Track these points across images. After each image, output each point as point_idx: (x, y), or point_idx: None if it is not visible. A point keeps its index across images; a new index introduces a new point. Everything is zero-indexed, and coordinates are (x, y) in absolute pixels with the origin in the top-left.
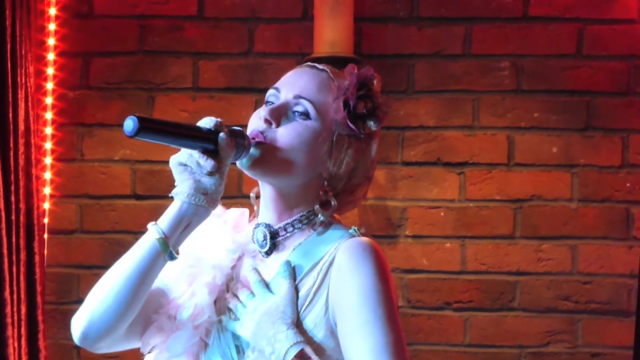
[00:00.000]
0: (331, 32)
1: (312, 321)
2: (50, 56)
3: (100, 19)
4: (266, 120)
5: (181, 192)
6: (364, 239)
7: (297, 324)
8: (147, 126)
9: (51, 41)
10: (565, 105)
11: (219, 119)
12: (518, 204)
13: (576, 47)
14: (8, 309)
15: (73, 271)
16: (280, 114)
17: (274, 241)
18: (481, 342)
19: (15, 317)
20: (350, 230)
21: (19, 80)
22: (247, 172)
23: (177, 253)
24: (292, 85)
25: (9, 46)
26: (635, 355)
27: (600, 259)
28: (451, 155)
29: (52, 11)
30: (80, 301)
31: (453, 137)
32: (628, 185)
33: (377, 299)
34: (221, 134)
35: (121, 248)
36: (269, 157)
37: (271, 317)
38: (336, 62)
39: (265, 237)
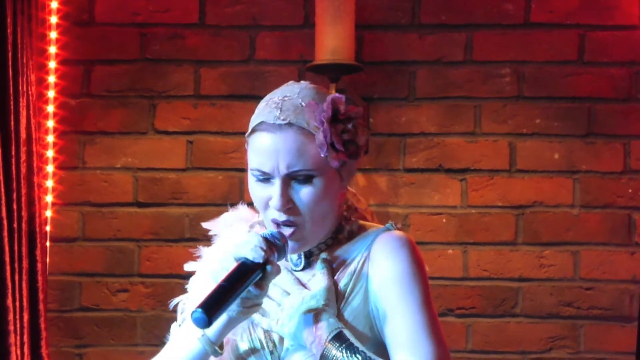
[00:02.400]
0: (332, 39)
1: (351, 314)
2: (52, 64)
3: (101, 27)
4: (284, 211)
5: (230, 309)
6: (399, 232)
7: (338, 317)
8: (213, 313)
9: (52, 49)
10: (567, 111)
11: (261, 242)
12: (520, 210)
13: (577, 54)
14: (10, 317)
15: (75, 279)
16: (289, 197)
17: (308, 260)
18: (484, 348)
19: (18, 325)
20: (387, 225)
21: (20, 88)
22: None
23: (222, 349)
24: (277, 164)
25: (10, 54)
26: None
27: (602, 265)
28: (453, 162)
29: (53, 19)
30: (82, 309)
31: (455, 143)
32: (630, 191)
33: (414, 283)
34: (269, 267)
35: (123, 255)
36: (307, 237)
37: (312, 310)
38: (338, 70)
39: (299, 256)
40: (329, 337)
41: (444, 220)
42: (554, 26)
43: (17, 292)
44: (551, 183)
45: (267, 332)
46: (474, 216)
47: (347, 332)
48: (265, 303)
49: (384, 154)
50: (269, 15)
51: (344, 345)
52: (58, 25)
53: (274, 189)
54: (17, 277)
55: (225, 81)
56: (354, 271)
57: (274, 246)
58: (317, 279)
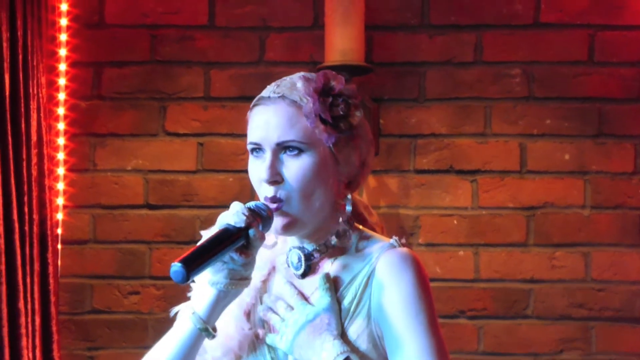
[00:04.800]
0: (342, 40)
1: (355, 332)
2: (62, 67)
3: (111, 29)
4: (270, 182)
5: (218, 282)
6: (404, 249)
7: (342, 336)
8: (192, 268)
9: (62, 52)
10: (577, 112)
11: (244, 209)
12: (531, 211)
13: (588, 54)
14: (22, 320)
15: (86, 281)
16: (277, 169)
17: (309, 263)
18: (495, 350)
19: (30, 328)
20: (391, 241)
21: (31, 91)
22: (282, 236)
23: (215, 330)
24: (268, 134)
25: (21, 57)
26: None
27: (613, 265)
28: (463, 163)
29: (64, 22)
30: (94, 311)
31: (465, 144)
32: None
33: (419, 307)
34: (251, 231)
35: (134, 257)
36: (295, 215)
37: (316, 329)
38: (348, 70)
39: (300, 259)
40: None
41: (455, 222)
42: (563, 26)
43: (28, 295)
44: (562, 184)
45: (271, 348)
46: (484, 217)
47: (354, 357)
48: (269, 317)
49: (394, 155)
50: (278, 17)
51: None
52: (68, 28)
53: (265, 163)
54: (28, 280)
55: (235, 83)
56: (358, 288)
57: (258, 216)
58: (319, 295)
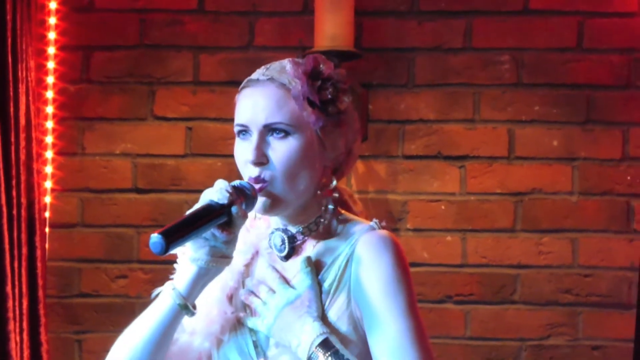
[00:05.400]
0: (332, 25)
1: (336, 314)
2: (51, 50)
3: (100, 13)
4: (256, 163)
5: (198, 258)
6: (383, 231)
7: (322, 317)
8: (172, 240)
9: (52, 35)
10: (566, 98)
11: (227, 187)
12: (519, 197)
13: (576, 41)
14: (10, 304)
15: (74, 265)
16: (263, 151)
17: (292, 245)
18: (482, 335)
19: (17, 312)
20: (371, 224)
21: (19, 74)
22: (265, 216)
23: (195, 308)
24: (255, 115)
25: (9, 40)
26: (636, 348)
27: (600, 252)
28: (452, 149)
29: (53, 5)
30: (81, 295)
31: (454, 130)
32: (628, 178)
33: (398, 288)
34: (234, 208)
35: (122, 241)
36: (279, 196)
37: (297, 311)
38: (337, 56)
39: (283, 241)
40: (315, 343)
41: (443, 207)
42: (553, 13)
43: (16, 278)
44: (550, 170)
45: (252, 332)
46: (472, 203)
47: (333, 339)
48: (251, 300)
49: (382, 140)
50: (268, 2)
51: (330, 353)
52: (57, 11)
53: (251, 144)
54: (16, 264)
55: (225, 67)
56: (338, 270)
57: (242, 195)
58: (300, 278)
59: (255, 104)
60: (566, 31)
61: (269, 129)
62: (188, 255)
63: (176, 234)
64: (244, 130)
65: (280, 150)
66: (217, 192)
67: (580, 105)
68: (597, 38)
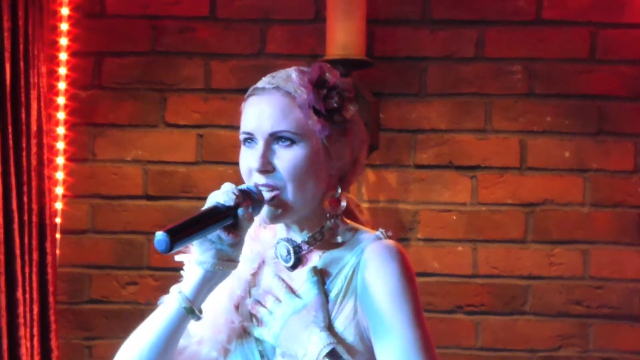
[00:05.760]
0: (343, 34)
1: (342, 324)
2: (63, 56)
3: (112, 19)
4: (261, 172)
5: (204, 262)
6: (389, 241)
7: (329, 327)
8: (177, 239)
9: (63, 41)
10: (578, 109)
11: (234, 190)
12: (530, 208)
13: (589, 51)
14: (20, 309)
15: (85, 271)
16: (269, 159)
17: (298, 255)
18: (493, 345)
19: (28, 317)
20: (377, 233)
21: (31, 80)
22: (270, 225)
23: (201, 312)
24: (261, 123)
25: (21, 46)
26: None
27: (612, 263)
28: (463, 159)
29: (65, 11)
30: (92, 301)
31: (465, 140)
32: None
33: (404, 298)
34: (240, 211)
35: (132, 248)
36: (288, 206)
37: (303, 321)
38: (349, 65)
39: (289, 252)
40: (323, 354)
41: (454, 217)
42: (565, 23)
43: (27, 284)
44: (561, 181)
45: (258, 341)
46: (483, 213)
47: (340, 349)
48: (257, 309)
49: (394, 150)
50: (280, 9)
51: None
52: (69, 17)
53: (257, 152)
54: (27, 270)
55: (236, 75)
56: (345, 280)
57: (249, 198)
58: (307, 288)
59: (261, 112)
60: (579, 42)
61: (274, 137)
62: (194, 259)
63: (181, 232)
64: (250, 139)
65: (286, 158)
66: (223, 194)
67: (592, 116)
68: (609, 49)
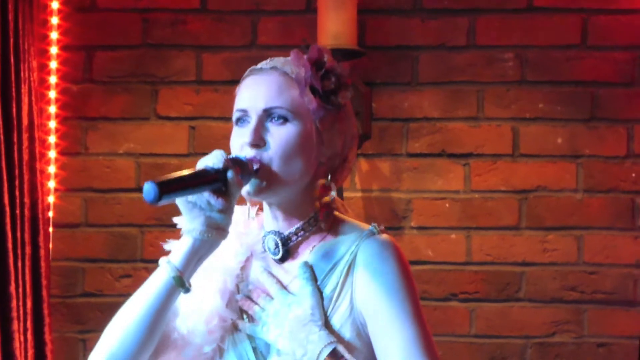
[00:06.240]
0: (335, 24)
1: (339, 321)
2: (53, 50)
3: (103, 13)
4: (252, 145)
5: (193, 229)
6: (384, 236)
7: (326, 325)
8: (166, 190)
9: (54, 35)
10: (570, 95)
11: (225, 156)
12: (523, 194)
13: (580, 38)
14: (14, 303)
15: (78, 265)
16: (261, 133)
17: (286, 248)
18: (487, 332)
19: (21, 311)
20: (370, 228)
21: (22, 74)
22: (254, 199)
23: (190, 285)
24: (256, 100)
25: (12, 40)
26: None
27: (605, 249)
28: (456, 147)
29: (55, 5)
30: (85, 294)
31: (457, 128)
32: (633, 175)
33: (403, 296)
34: (229, 173)
35: (126, 241)
36: (273, 179)
37: (301, 320)
38: (340, 54)
39: (277, 245)
40: (324, 354)
41: (447, 205)
42: (556, 10)
43: (20, 278)
44: (554, 167)
45: (252, 339)
46: (477, 201)
47: (340, 349)
48: (248, 306)
49: (386, 139)
50: (271, 1)
51: None
52: (59, 11)
53: (249, 128)
54: (20, 264)
55: (228, 67)
56: (340, 277)
57: (238, 166)
58: (300, 285)
59: (256, 90)
60: (570, 28)
61: (268, 114)
62: (183, 228)
63: (170, 185)
64: (243, 117)
65: (278, 135)
66: (212, 158)
67: (584, 102)
68: (601, 35)
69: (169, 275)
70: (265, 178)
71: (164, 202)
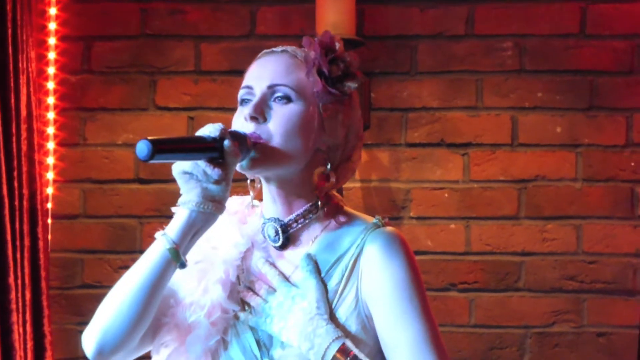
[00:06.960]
0: (333, 13)
1: (344, 314)
2: (52, 40)
3: (101, 3)
4: (252, 118)
5: (189, 201)
6: (390, 229)
7: (331, 318)
8: (160, 148)
9: (52, 25)
10: (569, 84)
11: (222, 126)
12: (522, 184)
13: (579, 27)
14: (13, 295)
15: (77, 256)
16: (263, 108)
17: (286, 235)
18: (487, 322)
19: (20, 303)
20: (375, 220)
21: (20, 65)
22: (248, 173)
23: (186, 260)
24: (262, 77)
25: (10, 31)
26: None
27: (605, 238)
28: (455, 136)
29: None
30: (84, 286)
31: (456, 118)
32: (632, 164)
33: (412, 291)
34: (226, 142)
35: (124, 232)
36: (269, 153)
37: (306, 313)
38: None
39: (277, 232)
40: (333, 348)
41: (446, 195)
42: None
43: (18, 270)
44: (553, 157)
45: (254, 330)
46: (476, 191)
47: (349, 343)
48: (250, 298)
49: (385, 129)
50: None
51: (349, 359)
52: (58, 1)
53: (252, 102)
54: (18, 255)
55: (226, 57)
56: (345, 270)
57: (236, 139)
58: (303, 277)
59: (264, 68)
60: (569, 17)
61: (272, 92)
62: (179, 200)
63: (165, 144)
64: (248, 94)
65: (280, 112)
66: (210, 127)
67: (583, 91)
68: (600, 24)
69: (164, 248)
70: (261, 151)
71: (156, 160)
